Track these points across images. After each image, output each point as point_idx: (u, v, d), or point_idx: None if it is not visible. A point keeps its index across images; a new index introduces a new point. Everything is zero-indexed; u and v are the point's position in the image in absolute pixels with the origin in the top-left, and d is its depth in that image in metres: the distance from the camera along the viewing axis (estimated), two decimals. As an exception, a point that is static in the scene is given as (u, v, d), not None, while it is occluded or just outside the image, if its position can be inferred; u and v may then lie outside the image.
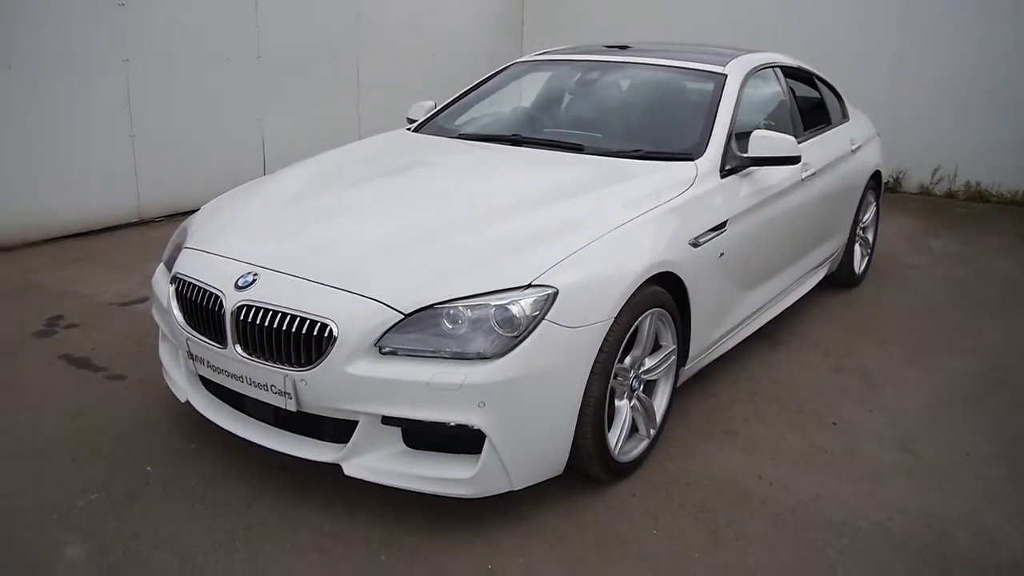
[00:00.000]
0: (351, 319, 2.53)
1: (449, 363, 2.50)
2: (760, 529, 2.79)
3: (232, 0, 6.74)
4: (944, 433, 3.50)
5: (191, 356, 2.88)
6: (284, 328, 2.59)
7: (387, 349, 2.54)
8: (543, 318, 2.54)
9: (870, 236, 5.51)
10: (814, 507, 2.92)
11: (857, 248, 5.24)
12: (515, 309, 2.53)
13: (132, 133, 6.19)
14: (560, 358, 2.59)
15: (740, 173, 3.60)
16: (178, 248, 3.26)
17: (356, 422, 2.62)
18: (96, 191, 6.05)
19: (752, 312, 3.85)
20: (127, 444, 3.19)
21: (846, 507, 2.93)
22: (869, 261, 5.54)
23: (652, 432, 3.13)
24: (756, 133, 3.59)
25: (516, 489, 2.65)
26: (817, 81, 4.95)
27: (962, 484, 3.10)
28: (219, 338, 2.75)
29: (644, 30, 9.36)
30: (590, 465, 2.83)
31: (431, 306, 2.54)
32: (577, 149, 3.69)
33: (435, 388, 2.47)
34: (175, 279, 2.96)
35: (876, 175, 5.30)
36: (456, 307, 2.54)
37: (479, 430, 2.52)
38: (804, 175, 4.09)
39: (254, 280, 2.70)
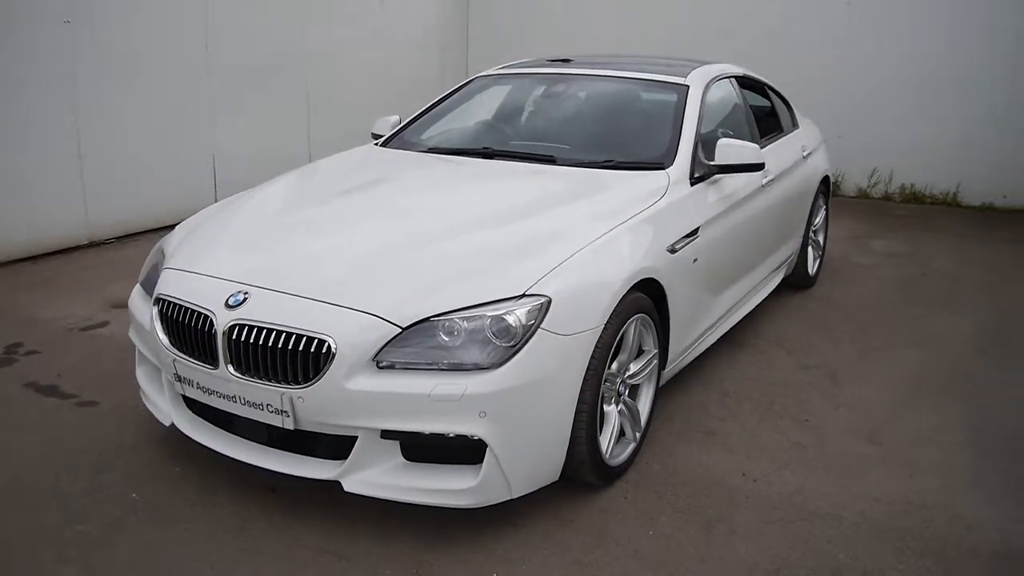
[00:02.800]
0: (349, 334, 2.53)
1: (448, 375, 2.53)
2: (749, 524, 2.88)
3: (180, 17, 6.64)
4: (907, 423, 3.66)
5: (178, 378, 2.84)
6: (279, 346, 2.58)
7: (384, 363, 2.55)
8: (538, 327, 2.59)
9: (821, 239, 5.71)
10: (797, 500, 3.03)
11: (810, 250, 5.43)
12: (511, 319, 2.57)
13: (80, 153, 6.05)
14: (555, 366, 2.64)
15: (707, 180, 3.71)
16: (155, 269, 3.22)
17: (354, 438, 2.62)
18: (46, 213, 5.89)
19: (722, 314, 3.97)
20: (109, 471, 3.13)
21: (828, 498, 3.04)
22: (821, 263, 5.74)
23: (638, 435, 3.20)
24: (722, 141, 3.71)
25: (515, 497, 2.69)
26: (768, 91, 5.13)
27: (931, 471, 3.25)
28: (210, 359, 2.72)
29: (591, 48, 9.52)
30: (583, 470, 2.88)
31: (427, 319, 2.57)
32: (549, 160, 3.76)
33: (436, 400, 2.49)
34: (159, 300, 2.92)
35: (825, 180, 5.51)
36: (452, 319, 2.57)
37: (479, 440, 2.55)
38: (764, 181, 4.23)
39: (245, 299, 2.69)
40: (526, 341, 2.57)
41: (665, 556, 2.69)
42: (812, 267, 5.52)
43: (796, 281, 5.38)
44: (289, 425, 2.61)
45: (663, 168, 3.60)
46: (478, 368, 2.53)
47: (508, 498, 2.67)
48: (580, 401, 2.74)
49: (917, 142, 8.30)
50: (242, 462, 2.80)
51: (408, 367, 2.55)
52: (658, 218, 3.27)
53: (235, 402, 2.70)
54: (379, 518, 2.81)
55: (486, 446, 2.57)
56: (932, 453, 3.39)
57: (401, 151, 4.15)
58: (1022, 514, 2.96)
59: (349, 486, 2.64)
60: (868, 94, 8.41)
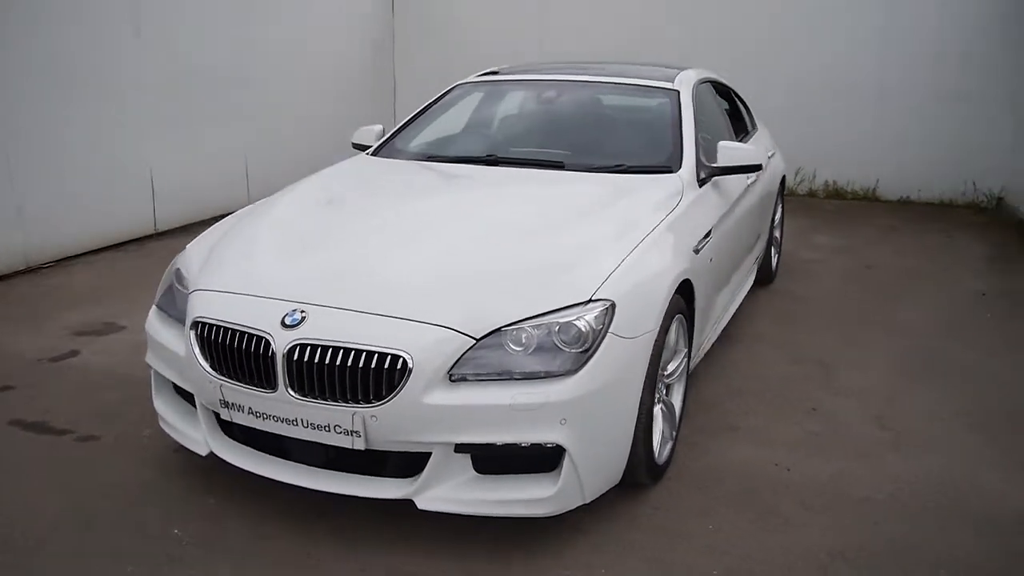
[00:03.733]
0: (424, 349, 2.48)
1: (525, 384, 2.51)
2: (798, 512, 2.98)
3: (114, 27, 6.32)
4: (907, 407, 3.86)
5: (225, 404, 2.71)
6: (348, 364, 2.50)
7: (456, 376, 2.52)
8: (607, 331, 2.61)
9: (778, 235, 5.94)
10: (834, 486, 3.15)
11: (772, 248, 5.64)
12: (581, 324, 2.58)
13: (11, 173, 5.66)
14: (622, 369, 2.66)
15: (711, 182, 3.82)
16: (172, 290, 3.07)
17: (425, 454, 2.57)
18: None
19: (722, 311, 4.09)
20: (140, 508, 2.95)
21: (860, 483, 3.18)
22: (779, 258, 5.97)
23: (674, 433, 3.26)
24: (723, 144, 3.83)
25: (587, 503, 2.69)
26: (732, 94, 5.31)
27: (944, 451, 3.44)
28: (265, 382, 2.61)
29: (518, 53, 9.60)
30: (639, 471, 2.91)
31: (499, 329, 2.55)
32: (558, 166, 3.78)
33: (517, 409, 2.48)
34: (197, 324, 2.77)
35: (783, 179, 5.74)
36: (523, 327, 2.56)
37: (555, 448, 2.54)
38: (749, 181, 4.38)
39: (303, 317, 2.59)
40: (597, 346, 2.58)
41: (732, 548, 2.75)
42: (773, 263, 5.74)
43: (760, 277, 5.58)
44: (360, 446, 2.54)
45: (671, 172, 3.68)
46: (552, 375, 2.53)
47: (581, 503, 2.67)
48: (640, 403, 2.77)
49: (838, 141, 8.75)
50: (287, 488, 2.72)
51: (481, 379, 2.52)
52: (682, 221, 3.34)
53: (295, 425, 2.60)
54: (448, 534, 2.76)
55: (561, 453, 2.57)
56: (939, 434, 3.59)
57: (401, 161, 4.08)
58: (1037, 485, 3.17)
59: (423, 503, 2.58)
60: (790, 96, 8.78)
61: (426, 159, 4.04)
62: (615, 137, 4.08)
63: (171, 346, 2.92)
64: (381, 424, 2.50)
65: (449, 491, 2.59)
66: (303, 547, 2.73)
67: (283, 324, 2.59)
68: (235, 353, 2.66)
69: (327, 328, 2.56)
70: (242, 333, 2.65)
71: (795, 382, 4.13)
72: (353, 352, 2.50)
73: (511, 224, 3.13)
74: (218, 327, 2.70)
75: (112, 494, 3.03)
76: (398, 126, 4.42)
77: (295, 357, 2.55)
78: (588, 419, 2.57)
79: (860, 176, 8.80)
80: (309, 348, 2.54)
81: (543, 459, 2.60)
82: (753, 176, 4.47)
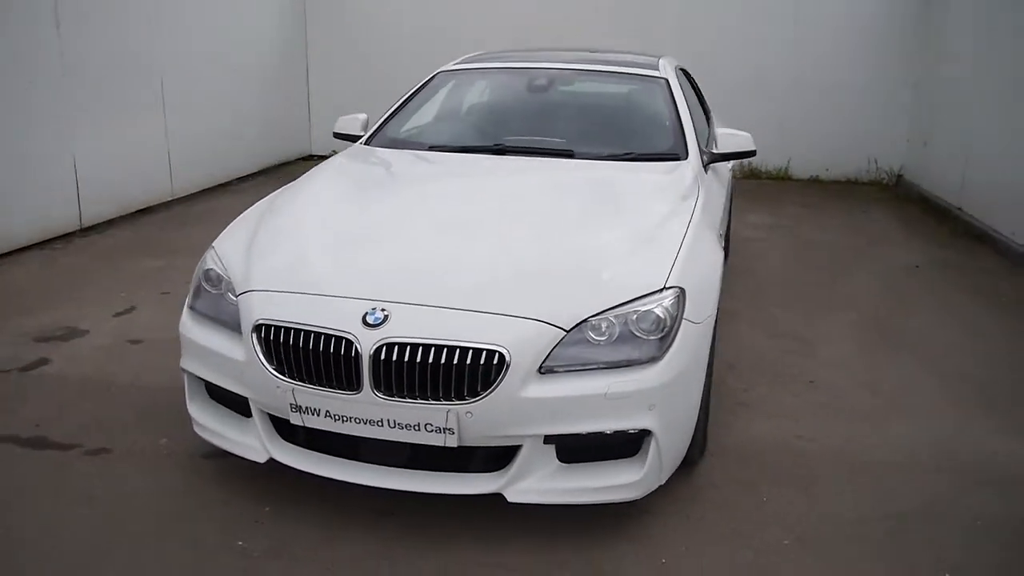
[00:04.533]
0: (520, 342, 2.48)
1: (613, 372, 2.56)
2: (836, 480, 3.16)
3: (33, 14, 5.83)
4: (890, 375, 4.14)
5: (297, 408, 2.61)
6: (442, 362, 2.46)
7: (545, 368, 2.53)
8: (682, 317, 2.69)
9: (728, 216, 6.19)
10: (855, 454, 3.36)
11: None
12: (660, 311, 2.64)
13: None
14: (695, 352, 2.75)
15: (711, 168, 3.96)
16: (202, 291, 2.92)
17: (511, 448, 2.58)
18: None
19: (715, 291, 4.25)
20: (190, 521, 2.81)
21: (877, 449, 3.40)
22: (728, 238, 6.23)
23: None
24: (721, 131, 3.97)
25: (663, 484, 2.77)
26: (693, 81, 5.48)
27: (940, 414, 3.72)
28: (347, 384, 2.53)
29: (431, 32, 9.56)
30: (695, 449, 3.01)
31: (585, 319, 2.57)
32: (567, 155, 3.81)
33: (611, 398, 2.52)
34: (260, 327, 2.65)
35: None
36: (606, 317, 2.59)
37: (637, 432, 2.60)
38: (731, 165, 4.55)
39: (386, 316, 2.53)
40: (676, 331, 2.65)
41: (795, 519, 2.90)
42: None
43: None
44: (452, 443, 2.51)
45: (679, 159, 3.79)
46: (638, 363, 2.58)
47: (659, 485, 2.74)
48: (704, 384, 2.87)
49: (753, 125, 9.10)
50: (341, 490, 2.69)
51: (569, 370, 2.55)
52: (706, 206, 3.45)
53: (380, 426, 2.54)
54: (531, 524, 2.77)
55: (643, 438, 2.63)
56: (928, 398, 3.88)
57: (406, 151, 3.99)
58: (1029, 440, 3.49)
59: (514, 496, 2.59)
60: (708, 85, 9.08)
61: (428, 149, 3.98)
62: (615, 124, 4.15)
63: (222, 350, 2.78)
64: (476, 420, 2.48)
65: (537, 482, 2.60)
66: (378, 548, 2.68)
67: (365, 323, 2.52)
68: (310, 355, 2.56)
69: (414, 326, 2.51)
70: (318, 334, 2.55)
71: (782, 356, 4.35)
72: (445, 349, 2.47)
73: (558, 215, 3.15)
74: (288, 329, 2.59)
75: (152, 508, 2.87)
76: (386, 115, 4.32)
77: (381, 357, 2.49)
78: (671, 403, 2.64)
79: (774, 157, 9.24)
80: (397, 347, 2.48)
81: (625, 444, 2.65)
82: (732, 160, 4.64)
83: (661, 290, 2.69)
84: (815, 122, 9.03)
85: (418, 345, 2.48)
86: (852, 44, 8.94)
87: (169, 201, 7.55)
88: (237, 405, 2.89)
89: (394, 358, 2.48)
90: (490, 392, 2.46)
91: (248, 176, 8.90)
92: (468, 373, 2.47)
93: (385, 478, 2.65)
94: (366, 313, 2.54)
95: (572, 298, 2.62)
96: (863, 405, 3.79)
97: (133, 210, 7.08)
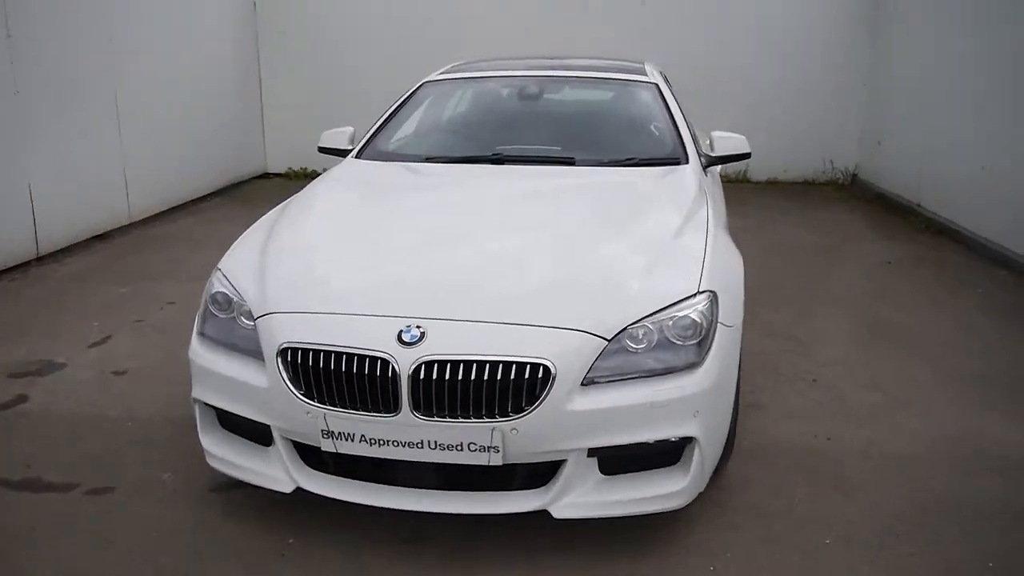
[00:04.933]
0: (564, 354, 2.41)
1: (656, 380, 2.51)
2: (862, 477, 3.16)
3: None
4: (885, 370, 4.18)
5: (329, 434, 2.49)
6: (486, 378, 2.38)
7: (586, 380, 2.47)
8: (716, 321, 2.65)
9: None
10: (875, 449, 3.37)
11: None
12: (696, 316, 2.60)
13: None
14: (730, 356, 2.72)
15: (708, 170, 3.95)
16: (211, 316, 2.78)
17: (553, 463, 2.51)
18: None
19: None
20: (213, 560, 2.66)
21: (892, 443, 3.42)
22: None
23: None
24: (717, 134, 3.98)
25: (702, 491, 2.72)
26: (669, 86, 5.50)
27: (940, 407, 3.77)
28: (384, 406, 2.43)
29: (385, 45, 9.48)
30: (726, 452, 2.98)
31: (624, 328, 2.52)
32: (568, 162, 3.76)
33: (657, 407, 2.47)
34: (286, 351, 2.52)
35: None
36: (644, 325, 2.54)
37: (678, 440, 2.55)
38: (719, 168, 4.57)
39: (422, 333, 2.43)
40: (712, 336, 2.62)
41: (831, 518, 2.88)
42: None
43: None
44: (497, 461, 2.43)
45: (679, 163, 3.77)
46: (678, 369, 2.54)
47: (700, 492, 2.70)
48: (736, 387, 2.85)
49: (708, 128, 9.24)
50: (365, 516, 2.62)
51: (611, 380, 2.49)
52: (716, 210, 3.44)
53: (419, 448, 2.44)
54: (569, 541, 2.70)
55: (683, 446, 2.59)
56: (929, 393, 3.92)
57: (402, 164, 3.89)
58: (1034, 427, 3.55)
59: (559, 512, 2.52)
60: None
61: (425, 160, 3.88)
62: (612, 130, 4.11)
63: (240, 377, 2.64)
64: (522, 436, 2.41)
65: (581, 497, 2.54)
66: (434, 572, 2.58)
67: (400, 342, 2.42)
68: (343, 378, 2.45)
69: (453, 342, 2.42)
70: (350, 356, 2.44)
71: (780, 356, 4.36)
72: (488, 365, 2.38)
73: (577, 223, 3.09)
74: (317, 352, 2.48)
75: (172, 548, 2.71)
76: (375, 127, 4.21)
77: (420, 376, 2.39)
78: (712, 408, 2.60)
79: (733, 160, 9.35)
80: (436, 365, 2.39)
81: (666, 453, 2.60)
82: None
83: (695, 295, 2.65)
84: (772, 124, 9.16)
85: (459, 362, 2.39)
86: (806, 47, 9.13)
87: (126, 225, 7.27)
88: (255, 434, 2.75)
89: (434, 377, 2.39)
90: (536, 407, 2.39)
91: (204, 197, 8.64)
92: (512, 388, 2.39)
93: (424, 502, 2.55)
94: (401, 331, 2.44)
95: (609, 307, 2.56)
96: (869, 402, 3.81)
97: (90, 236, 6.80)
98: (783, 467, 3.23)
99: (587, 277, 2.72)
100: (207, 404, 2.82)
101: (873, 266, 6.10)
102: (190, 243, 6.86)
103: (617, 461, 2.58)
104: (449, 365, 2.39)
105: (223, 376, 2.70)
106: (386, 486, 2.59)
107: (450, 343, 2.42)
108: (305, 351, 2.49)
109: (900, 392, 3.91)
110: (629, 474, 2.60)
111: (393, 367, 2.40)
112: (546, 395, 2.38)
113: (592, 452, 2.51)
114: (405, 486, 2.58)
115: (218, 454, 2.82)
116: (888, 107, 8.56)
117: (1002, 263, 5.98)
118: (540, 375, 2.39)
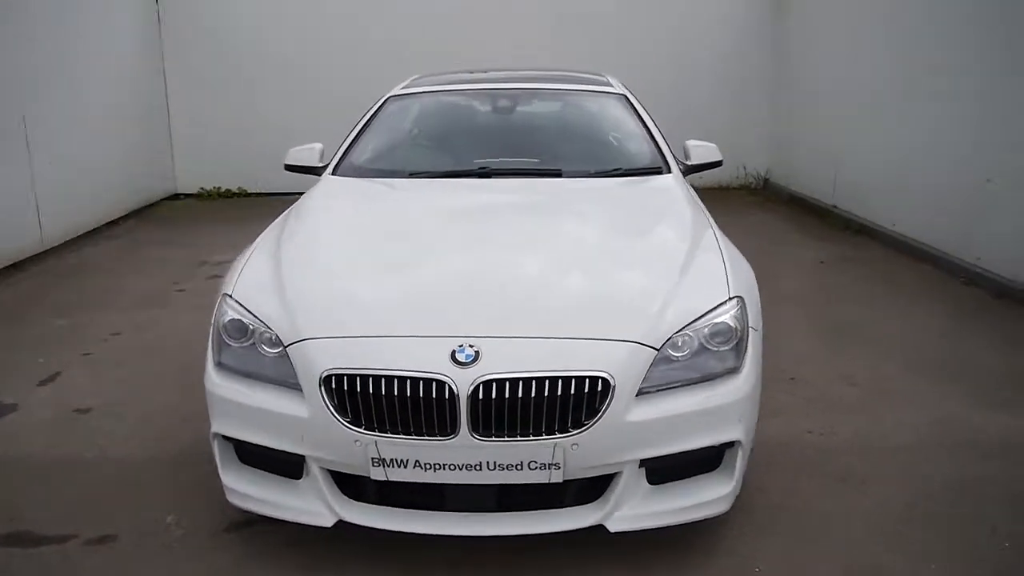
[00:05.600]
0: (621, 366, 2.41)
1: (699, 388, 2.54)
2: (865, 471, 3.28)
3: None
4: (854, 365, 4.37)
5: (380, 462, 2.40)
6: (546, 395, 2.35)
7: (640, 390, 2.48)
8: (748, 326, 2.72)
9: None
10: (867, 442, 3.52)
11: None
12: (731, 322, 2.65)
13: None
14: (758, 359, 2.78)
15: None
16: (226, 346, 2.65)
17: (605, 476, 2.50)
18: None
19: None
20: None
21: (883, 436, 3.58)
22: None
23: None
24: (691, 142, 4.08)
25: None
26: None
27: (917, 398, 3.97)
28: (440, 429, 2.36)
29: (296, 63, 9.32)
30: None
31: (669, 338, 2.54)
32: (555, 174, 3.77)
33: (708, 413, 2.50)
34: (331, 379, 2.41)
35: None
36: (686, 333, 2.58)
37: (720, 446, 2.59)
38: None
39: (477, 352, 2.38)
40: (746, 340, 2.68)
41: (852, 512, 2.99)
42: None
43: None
44: (558, 478, 2.40)
45: (661, 172, 3.84)
46: (719, 375, 2.58)
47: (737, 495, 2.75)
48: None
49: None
50: (396, 543, 2.56)
51: (660, 389, 2.50)
52: (707, 216, 3.52)
53: (477, 471, 2.39)
54: (612, 554, 2.70)
55: (725, 451, 2.63)
56: (901, 384, 4.12)
57: (386, 180, 3.80)
58: (1016, 417, 3.77)
59: (615, 526, 2.51)
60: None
61: (409, 176, 3.80)
62: (589, 141, 4.14)
63: (272, 408, 2.51)
64: (582, 451, 2.39)
65: (634, 508, 2.53)
66: (479, 600, 2.52)
67: (455, 362, 2.37)
68: (395, 403, 2.37)
69: (510, 360, 2.38)
70: (403, 380, 2.36)
71: (755, 357, 4.49)
72: (547, 381, 2.36)
73: (591, 235, 3.11)
74: (365, 377, 2.38)
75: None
76: (347, 143, 4.10)
77: (479, 396, 2.34)
78: (751, 411, 2.66)
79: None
80: (495, 384, 2.34)
81: (707, 460, 2.64)
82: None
83: (726, 301, 2.70)
84: (686, 131, 9.43)
85: (518, 379, 2.35)
86: (717, 58, 9.49)
87: (40, 253, 6.80)
88: (283, 467, 2.62)
89: (493, 396, 2.34)
90: (596, 421, 2.38)
91: (118, 220, 8.18)
92: (573, 403, 2.37)
93: (478, 525, 2.49)
94: (454, 351, 2.38)
95: (651, 317, 2.57)
96: (850, 396, 3.98)
97: (2, 266, 6.32)
98: (790, 465, 3.32)
99: (623, 288, 2.73)
100: (226, 438, 2.67)
101: (809, 266, 6.39)
102: (116, 269, 6.50)
103: (663, 470, 2.59)
104: (508, 383, 2.35)
105: (251, 408, 2.56)
106: (435, 512, 2.52)
107: (507, 361, 2.38)
108: (351, 377, 2.39)
109: (874, 385, 4.10)
110: (674, 482, 2.62)
111: (451, 388, 2.33)
112: (606, 408, 2.38)
113: (642, 463, 2.52)
114: (453, 510, 2.52)
115: (241, 490, 2.67)
116: (797, 112, 8.99)
117: (925, 259, 6.36)
118: (599, 388, 2.38)
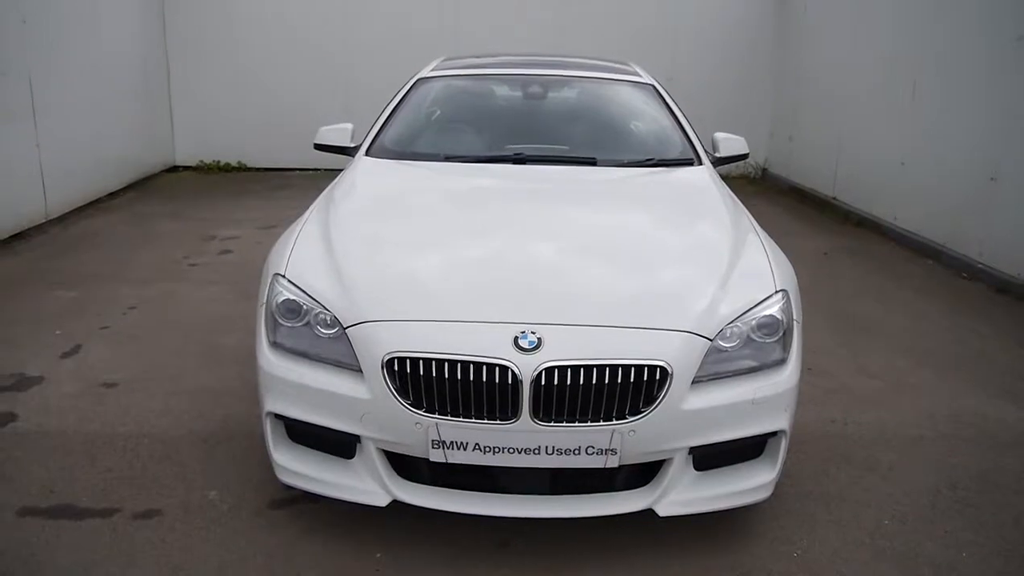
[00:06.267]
0: (678, 355, 2.46)
1: (752, 378, 2.60)
2: (890, 458, 3.38)
3: None
4: (867, 356, 4.48)
5: (441, 444, 2.44)
6: (607, 382, 2.40)
7: (694, 379, 2.54)
8: (792, 318, 2.78)
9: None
10: (892, 431, 3.61)
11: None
12: (778, 314, 2.72)
13: None
14: (800, 351, 2.85)
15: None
16: (280, 325, 2.67)
17: (656, 462, 2.57)
18: None
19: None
20: (309, 579, 2.56)
21: (906, 426, 3.67)
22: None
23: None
24: (720, 135, 4.13)
25: (775, 480, 2.85)
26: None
27: (933, 389, 4.08)
28: (502, 413, 2.41)
29: (299, 37, 9.22)
30: None
31: (721, 329, 2.60)
32: (590, 162, 3.80)
33: (758, 403, 2.57)
34: (394, 361, 2.44)
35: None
36: (736, 324, 2.64)
37: (765, 435, 2.67)
38: (704, 166, 4.73)
39: (539, 339, 2.43)
40: (791, 332, 2.74)
41: (881, 499, 3.08)
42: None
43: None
44: (614, 463, 2.46)
45: (693, 164, 3.89)
46: (769, 366, 2.65)
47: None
48: (796, 380, 2.99)
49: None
50: (444, 523, 2.62)
51: (712, 379, 2.56)
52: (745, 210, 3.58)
53: (536, 454, 2.44)
54: (666, 537, 2.77)
55: (768, 439, 2.70)
56: (915, 376, 4.23)
57: (424, 163, 3.80)
58: None
59: (664, 510, 2.58)
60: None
61: (444, 159, 3.81)
62: (622, 130, 4.16)
63: (330, 388, 2.53)
64: (638, 437, 2.44)
65: (682, 494, 2.60)
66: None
67: (518, 348, 2.41)
68: (458, 387, 2.41)
69: (572, 347, 2.42)
70: (466, 364, 2.40)
71: (770, 346, 4.58)
72: (608, 368, 2.41)
73: (644, 226, 3.17)
74: (428, 361, 2.42)
75: (256, 572, 2.58)
76: (379, 125, 4.10)
77: (542, 382, 2.39)
78: (795, 401, 2.73)
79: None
80: (557, 371, 2.39)
81: (751, 447, 2.71)
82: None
83: (773, 294, 2.76)
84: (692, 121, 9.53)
85: (579, 367, 2.40)
86: (718, 47, 9.57)
87: (43, 223, 6.74)
88: (336, 446, 2.66)
89: (555, 382, 2.39)
90: (654, 408, 2.43)
91: (117, 192, 8.11)
92: (632, 391, 2.42)
93: (531, 507, 2.54)
94: (516, 337, 2.43)
95: (704, 308, 2.62)
96: (867, 388, 4.08)
97: (6, 236, 6.25)
98: (817, 454, 3.41)
99: (675, 279, 2.78)
100: (278, 416, 2.70)
101: (813, 257, 6.48)
102: (123, 242, 6.45)
103: (709, 457, 2.66)
104: (570, 370, 2.39)
105: (309, 388, 2.58)
106: (489, 494, 2.57)
107: (568, 348, 2.42)
108: (414, 360, 2.43)
109: (889, 376, 4.20)
110: (718, 469, 2.69)
111: (514, 373, 2.38)
112: (664, 396, 2.43)
113: (691, 450, 2.58)
114: (506, 492, 2.57)
115: (293, 468, 2.70)
116: (799, 104, 9.08)
117: (927, 253, 6.49)
118: (658, 376, 2.43)
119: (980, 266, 5.90)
